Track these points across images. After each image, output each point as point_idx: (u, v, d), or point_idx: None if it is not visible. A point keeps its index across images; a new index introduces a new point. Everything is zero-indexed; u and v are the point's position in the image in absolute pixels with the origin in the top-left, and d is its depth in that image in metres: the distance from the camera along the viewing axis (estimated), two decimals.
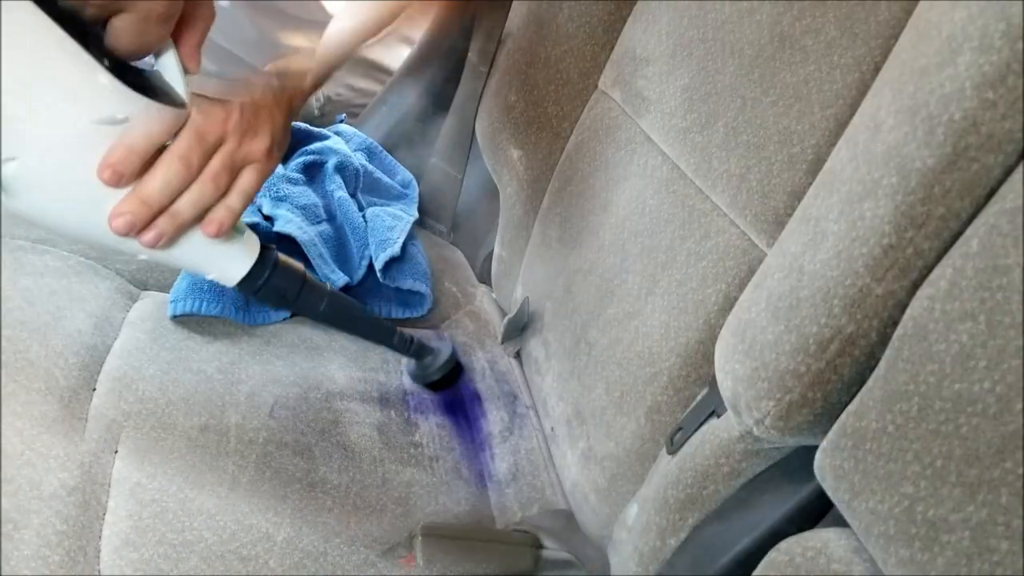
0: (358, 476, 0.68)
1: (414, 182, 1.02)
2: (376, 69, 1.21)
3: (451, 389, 0.82)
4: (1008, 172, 0.35)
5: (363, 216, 0.89)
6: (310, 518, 0.63)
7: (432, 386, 0.81)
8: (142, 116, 0.49)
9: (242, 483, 0.64)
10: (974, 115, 0.35)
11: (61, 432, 0.62)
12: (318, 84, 0.75)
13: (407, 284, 0.86)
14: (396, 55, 1.20)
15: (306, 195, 0.88)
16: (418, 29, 1.04)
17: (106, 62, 0.46)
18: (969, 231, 0.36)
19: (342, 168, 0.93)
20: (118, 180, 0.50)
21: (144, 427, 0.65)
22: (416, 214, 0.96)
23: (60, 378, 0.65)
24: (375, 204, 0.95)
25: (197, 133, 0.54)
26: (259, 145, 0.59)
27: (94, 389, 0.67)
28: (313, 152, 0.95)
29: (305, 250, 0.81)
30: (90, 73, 0.45)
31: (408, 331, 0.79)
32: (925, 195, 0.37)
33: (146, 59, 0.51)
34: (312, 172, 0.94)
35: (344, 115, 1.13)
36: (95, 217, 0.52)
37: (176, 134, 0.53)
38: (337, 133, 1.02)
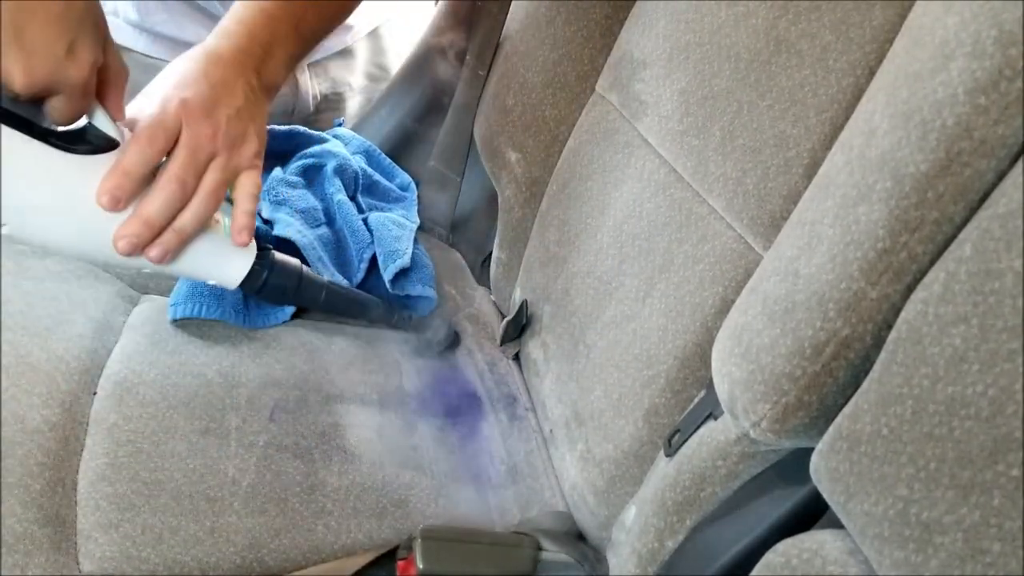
0: (358, 479, 0.68)
1: (413, 185, 1.03)
2: (374, 66, 1.21)
3: (452, 389, 0.82)
4: (1001, 177, 0.35)
5: (364, 220, 0.90)
6: (308, 520, 0.64)
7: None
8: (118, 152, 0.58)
9: (242, 485, 0.64)
10: (967, 120, 0.36)
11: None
12: (290, 70, 0.77)
13: (416, 291, 0.87)
14: (390, 51, 1.21)
15: (305, 199, 0.88)
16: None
17: (54, 137, 0.55)
18: (962, 235, 0.36)
19: (341, 171, 0.94)
20: (115, 205, 0.57)
21: (145, 431, 0.66)
22: (417, 219, 0.97)
23: (61, 382, 0.66)
24: (375, 207, 0.95)
25: (190, 152, 0.60)
26: (248, 151, 0.65)
27: (95, 393, 0.68)
28: (312, 156, 0.95)
29: (304, 253, 0.81)
30: (45, 155, 0.55)
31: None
32: (919, 200, 0.37)
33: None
34: (311, 175, 0.94)
35: (343, 119, 1.13)
36: (92, 246, 0.59)
37: (169, 154, 0.60)
38: (336, 136, 1.02)
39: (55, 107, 0.54)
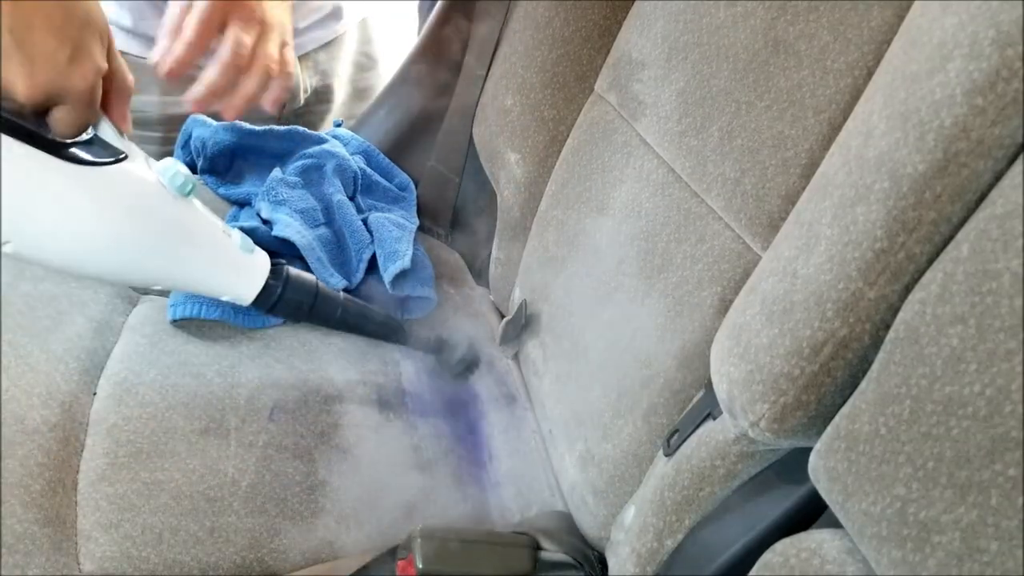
0: (357, 479, 0.68)
1: (412, 185, 1.03)
2: (362, 55, 1.21)
3: (451, 389, 0.82)
4: (998, 177, 0.35)
5: (364, 221, 0.90)
6: (308, 520, 0.64)
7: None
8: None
9: (242, 485, 0.65)
10: (964, 121, 0.36)
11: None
12: None
13: (417, 291, 0.87)
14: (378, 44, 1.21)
15: (304, 199, 0.88)
16: None
17: (58, 149, 0.54)
18: (960, 236, 0.36)
19: (340, 171, 0.94)
20: (178, 72, 0.66)
21: (145, 431, 0.66)
22: (417, 220, 0.97)
23: (61, 383, 0.66)
24: (374, 207, 0.95)
25: (235, 41, 0.68)
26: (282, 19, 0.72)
27: (95, 393, 0.68)
28: (311, 156, 0.95)
29: (303, 254, 0.82)
30: (49, 168, 0.54)
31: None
32: (916, 200, 0.37)
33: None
34: (310, 175, 0.94)
35: (342, 120, 1.13)
36: (99, 263, 0.59)
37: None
38: (335, 136, 1.02)
39: (59, 118, 0.53)
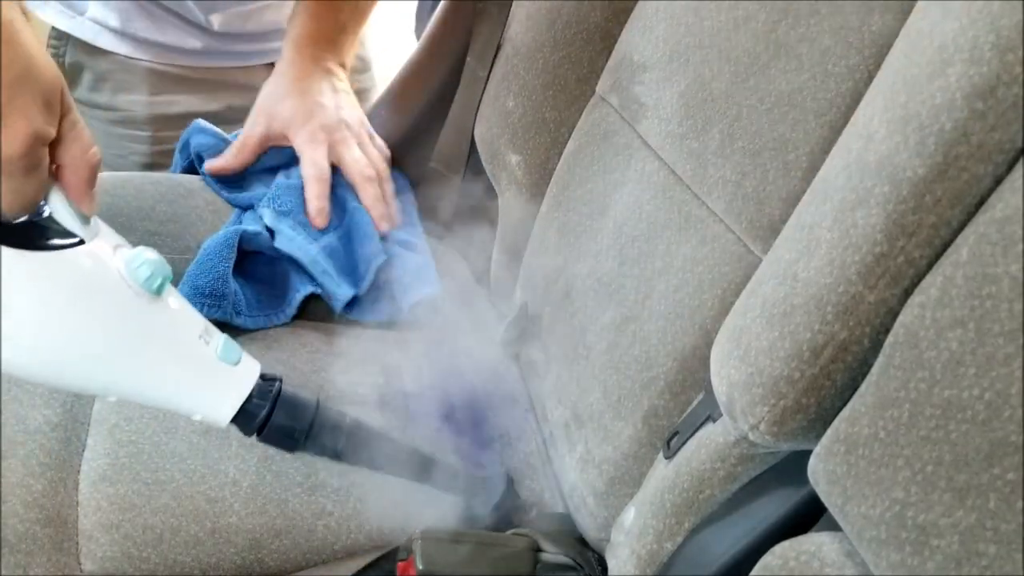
0: (358, 480, 0.68)
1: (408, 185, 1.02)
2: (355, 58, 1.21)
3: (452, 394, 0.82)
4: (998, 182, 0.36)
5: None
6: (309, 520, 0.64)
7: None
8: None
9: (243, 486, 0.65)
10: (964, 125, 0.36)
11: None
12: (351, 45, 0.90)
13: (424, 292, 0.87)
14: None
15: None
16: None
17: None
18: (959, 240, 0.36)
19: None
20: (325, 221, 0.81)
21: (146, 431, 0.66)
22: (419, 224, 0.96)
23: None
24: None
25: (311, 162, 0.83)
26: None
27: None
28: None
29: (308, 270, 0.81)
30: None
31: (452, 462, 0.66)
32: (916, 204, 0.38)
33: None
34: None
35: None
36: (46, 363, 0.51)
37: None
38: None
39: None
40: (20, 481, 0.59)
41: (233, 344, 0.56)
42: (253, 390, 0.56)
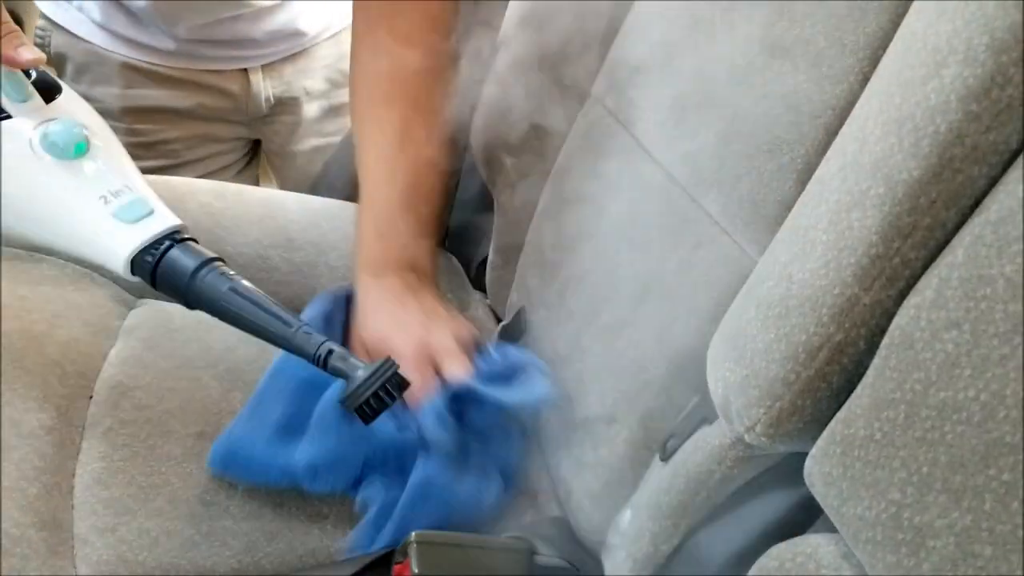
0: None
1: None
2: (337, 72, 1.22)
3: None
4: (992, 183, 0.36)
5: None
6: (304, 524, 0.64)
7: None
8: None
9: (238, 489, 0.65)
10: (959, 127, 0.36)
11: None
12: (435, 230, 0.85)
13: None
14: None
15: None
16: None
17: None
18: (955, 241, 0.36)
19: None
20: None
21: (141, 434, 0.66)
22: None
23: (57, 386, 0.66)
24: None
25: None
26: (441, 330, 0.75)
27: (91, 397, 0.68)
28: None
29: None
30: None
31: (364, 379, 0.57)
32: (911, 206, 0.38)
33: None
34: None
35: None
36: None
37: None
38: None
39: None
40: (14, 485, 0.59)
41: (141, 206, 0.61)
42: (151, 244, 0.60)
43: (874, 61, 0.47)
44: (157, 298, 0.80)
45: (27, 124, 0.61)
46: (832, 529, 0.41)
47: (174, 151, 1.15)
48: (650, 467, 0.59)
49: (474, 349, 0.75)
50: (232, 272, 0.61)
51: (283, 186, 1.32)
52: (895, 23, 0.45)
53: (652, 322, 0.61)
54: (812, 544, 0.42)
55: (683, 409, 0.57)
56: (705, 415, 0.53)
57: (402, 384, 0.58)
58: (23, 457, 0.60)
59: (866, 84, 0.46)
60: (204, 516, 0.62)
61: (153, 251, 0.60)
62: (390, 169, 0.81)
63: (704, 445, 0.52)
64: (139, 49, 1.07)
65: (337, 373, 0.58)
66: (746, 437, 0.47)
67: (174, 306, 0.82)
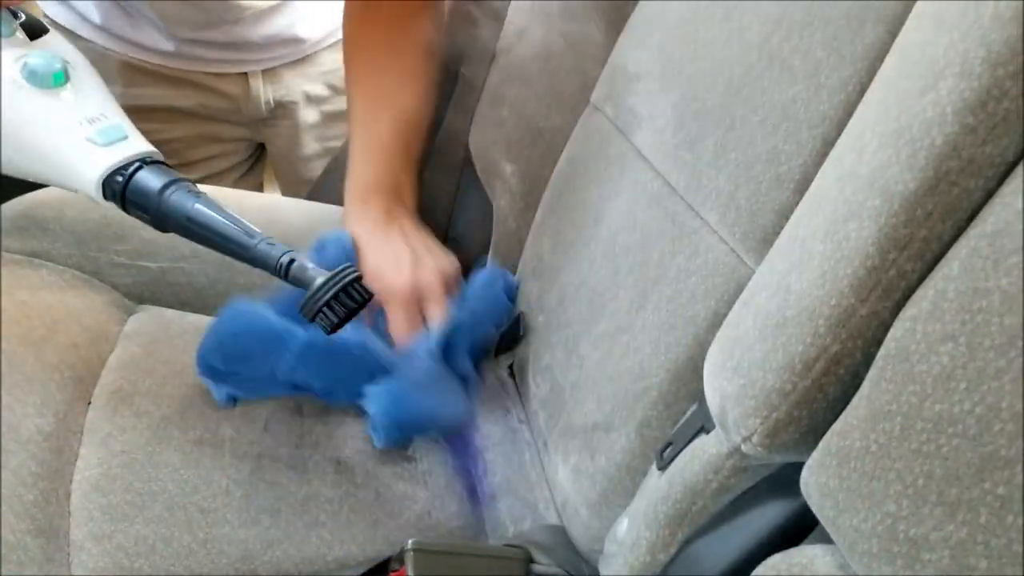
0: (351, 490, 0.68)
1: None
2: (337, 78, 1.22)
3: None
4: (988, 196, 0.36)
5: None
6: (302, 531, 0.64)
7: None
8: None
9: (236, 496, 0.65)
10: (955, 140, 0.36)
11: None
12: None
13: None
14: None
15: None
16: None
17: None
18: (950, 254, 0.36)
19: None
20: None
21: (139, 441, 0.66)
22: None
23: (55, 392, 0.66)
24: None
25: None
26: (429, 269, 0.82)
27: (89, 403, 0.68)
28: None
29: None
30: None
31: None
32: (908, 218, 0.38)
33: None
34: None
35: None
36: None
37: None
38: None
39: None
40: (11, 491, 0.59)
41: (115, 131, 0.64)
42: (123, 166, 0.62)
43: (871, 72, 0.47)
44: (155, 304, 0.80)
45: (9, 56, 0.63)
46: (828, 540, 0.41)
47: (176, 151, 1.16)
48: (647, 476, 0.59)
49: (457, 284, 0.83)
50: (200, 191, 0.62)
51: (285, 190, 1.32)
52: (892, 34, 0.46)
53: (650, 330, 0.61)
54: (808, 555, 0.42)
55: (680, 418, 0.57)
56: (702, 424, 0.53)
57: (363, 293, 0.58)
58: (21, 463, 0.60)
59: (863, 95, 0.46)
60: (201, 523, 0.62)
61: (123, 172, 0.61)
62: (379, 107, 0.90)
63: (701, 454, 0.52)
64: (138, 49, 1.08)
65: (297, 283, 0.57)
66: (743, 447, 0.47)
67: (173, 312, 0.82)
